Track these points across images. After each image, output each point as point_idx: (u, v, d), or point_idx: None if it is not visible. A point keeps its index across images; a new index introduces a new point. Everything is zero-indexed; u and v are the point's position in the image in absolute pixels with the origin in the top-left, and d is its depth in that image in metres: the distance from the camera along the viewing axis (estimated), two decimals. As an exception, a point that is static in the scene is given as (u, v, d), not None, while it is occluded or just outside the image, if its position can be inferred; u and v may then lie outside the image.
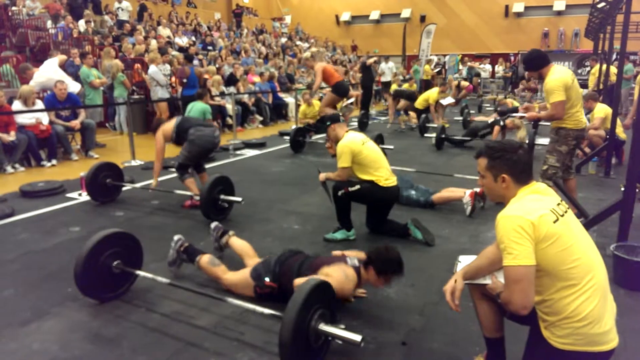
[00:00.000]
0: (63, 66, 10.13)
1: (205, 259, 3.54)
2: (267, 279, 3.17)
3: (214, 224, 4.04)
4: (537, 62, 4.49)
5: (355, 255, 3.27)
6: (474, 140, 9.44)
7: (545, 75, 4.45)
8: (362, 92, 14.37)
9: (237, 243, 3.87)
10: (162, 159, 5.59)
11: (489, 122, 9.57)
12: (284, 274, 3.17)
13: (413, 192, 5.54)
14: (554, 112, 4.40)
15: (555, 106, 4.36)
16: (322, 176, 4.62)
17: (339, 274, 2.98)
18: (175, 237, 3.74)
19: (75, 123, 8.12)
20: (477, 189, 5.21)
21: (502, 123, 9.09)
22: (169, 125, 5.53)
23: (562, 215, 1.96)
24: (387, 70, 17.62)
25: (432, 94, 11.68)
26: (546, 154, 4.69)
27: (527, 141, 8.12)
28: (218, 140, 5.65)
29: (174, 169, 7.38)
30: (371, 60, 14.41)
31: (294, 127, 9.84)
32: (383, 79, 17.57)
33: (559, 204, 2.02)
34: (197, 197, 5.16)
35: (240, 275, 3.37)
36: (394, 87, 14.53)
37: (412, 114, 12.21)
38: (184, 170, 5.55)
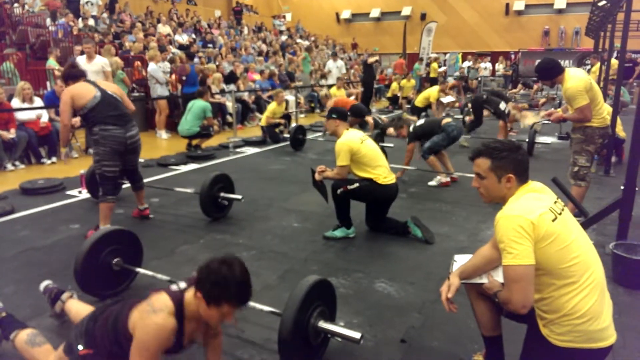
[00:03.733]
0: (62, 64, 10.15)
1: (22, 337, 2.56)
2: (80, 347, 2.20)
3: (43, 285, 3.09)
4: (552, 71, 4.49)
5: None
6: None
7: (561, 82, 4.46)
8: (362, 89, 14.46)
9: (76, 308, 2.82)
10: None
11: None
12: (99, 335, 2.19)
13: (444, 145, 6.35)
14: (582, 116, 4.42)
15: (581, 110, 4.38)
16: (319, 175, 4.61)
17: (143, 307, 2.06)
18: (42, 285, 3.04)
19: (75, 120, 8.09)
20: (444, 180, 6.32)
21: (506, 111, 8.99)
22: (84, 94, 4.31)
23: (560, 214, 1.97)
24: (335, 69, 15.56)
25: (432, 92, 11.67)
26: (574, 155, 4.65)
27: (532, 127, 8.34)
28: (133, 141, 4.51)
29: (174, 166, 7.41)
30: (372, 59, 14.41)
31: (294, 125, 9.84)
32: (331, 81, 15.14)
33: (555, 202, 2.02)
34: (143, 207, 4.92)
35: (56, 354, 2.39)
36: (394, 85, 14.53)
37: (413, 117, 12.21)
38: (106, 185, 4.40)
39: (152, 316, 1.97)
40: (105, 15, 15.02)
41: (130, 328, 2.04)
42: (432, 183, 6.38)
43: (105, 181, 4.38)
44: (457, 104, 12.74)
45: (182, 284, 2.12)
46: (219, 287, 1.93)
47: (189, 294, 2.06)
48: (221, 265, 1.96)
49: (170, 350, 2.08)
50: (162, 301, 2.02)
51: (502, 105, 8.99)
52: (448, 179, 6.41)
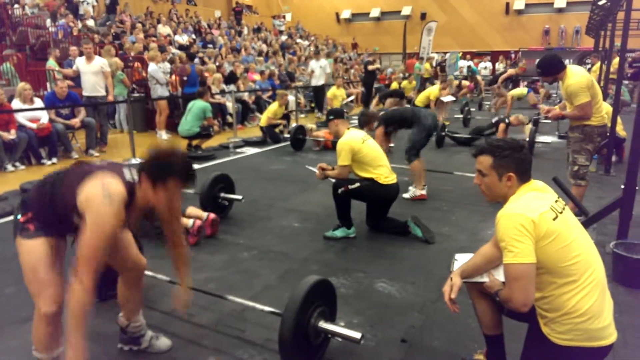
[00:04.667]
0: (61, 65, 10.17)
1: None
2: (19, 216, 2.28)
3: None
4: (555, 67, 4.47)
5: None
6: (478, 139, 9.44)
7: (562, 79, 4.46)
8: (364, 90, 14.56)
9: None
10: None
11: (493, 121, 9.55)
12: (36, 203, 2.26)
13: (423, 141, 5.76)
14: (582, 114, 4.41)
15: (582, 107, 4.38)
16: (320, 174, 4.61)
17: (95, 188, 2.04)
18: None
19: (76, 121, 8.13)
20: (421, 193, 5.75)
21: (507, 120, 9.08)
22: None
23: (561, 212, 1.97)
24: (319, 69, 13.58)
25: (432, 91, 11.68)
26: (573, 154, 4.65)
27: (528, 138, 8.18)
28: None
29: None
30: (373, 67, 14.56)
31: (294, 125, 9.84)
32: (314, 82, 13.71)
33: (556, 201, 2.02)
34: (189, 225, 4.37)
35: None
36: (394, 85, 14.55)
37: None
38: None
39: (108, 207, 2.00)
40: (104, 15, 15.02)
41: (80, 205, 2.04)
42: (406, 195, 5.71)
43: None
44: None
45: (135, 174, 2.18)
46: (164, 164, 2.06)
47: (138, 185, 2.14)
48: (164, 149, 2.11)
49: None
50: (116, 187, 2.05)
51: (494, 119, 9.56)
52: (423, 192, 5.77)
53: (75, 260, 2.00)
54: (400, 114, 5.97)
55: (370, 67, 14.36)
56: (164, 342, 2.78)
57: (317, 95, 13.98)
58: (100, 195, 2.01)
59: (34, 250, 2.18)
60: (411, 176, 5.90)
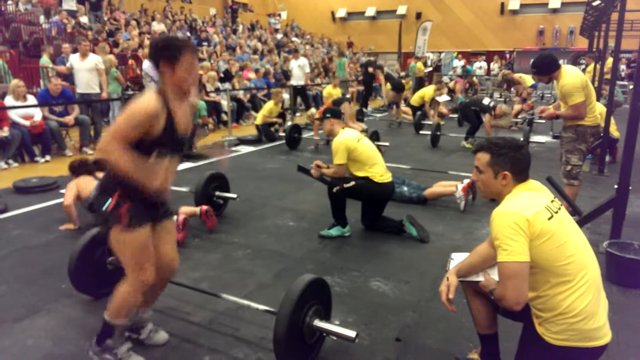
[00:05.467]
0: (55, 62, 10.10)
1: None
2: (106, 206, 2.38)
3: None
4: (550, 66, 4.49)
5: None
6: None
7: (557, 78, 4.47)
8: (363, 88, 14.87)
9: None
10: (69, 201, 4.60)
11: (491, 104, 9.50)
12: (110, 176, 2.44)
13: (405, 189, 5.54)
14: (576, 113, 4.43)
15: (577, 107, 4.39)
16: (316, 172, 4.61)
17: (133, 104, 2.28)
18: None
19: (69, 119, 8.09)
20: (467, 181, 5.35)
21: (492, 112, 9.13)
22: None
23: (556, 212, 1.98)
24: (297, 69, 13.10)
25: (427, 91, 11.70)
26: (567, 154, 4.67)
27: (508, 127, 8.34)
28: None
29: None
30: (372, 69, 14.68)
31: (290, 124, 9.83)
32: (293, 83, 13.24)
33: (552, 201, 2.03)
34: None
35: None
36: (389, 85, 14.57)
37: (407, 109, 12.29)
38: None
39: (139, 102, 2.25)
40: (99, 13, 14.95)
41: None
42: (462, 206, 5.24)
43: None
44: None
45: (155, 87, 2.38)
46: (171, 45, 2.31)
47: (160, 85, 2.36)
48: (162, 36, 2.33)
49: (166, 138, 2.32)
50: (145, 93, 2.31)
51: (486, 100, 9.37)
52: (464, 185, 5.31)
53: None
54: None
55: (370, 70, 14.48)
56: (162, 335, 2.83)
57: (300, 96, 13.76)
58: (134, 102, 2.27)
59: (136, 239, 2.37)
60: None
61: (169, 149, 2.40)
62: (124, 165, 2.22)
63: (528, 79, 11.17)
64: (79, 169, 4.82)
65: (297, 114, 13.82)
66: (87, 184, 4.64)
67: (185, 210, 4.54)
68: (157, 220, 2.57)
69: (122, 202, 2.34)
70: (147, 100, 2.25)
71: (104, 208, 2.35)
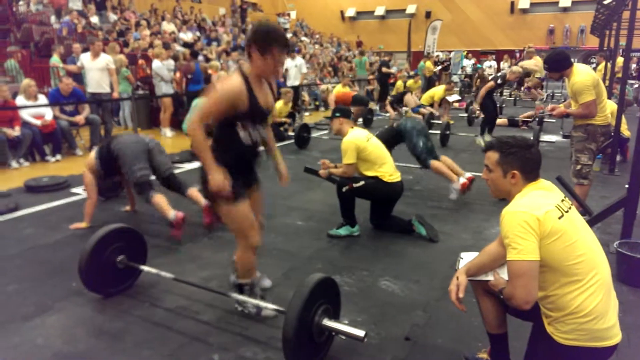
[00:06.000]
0: (65, 61, 10.17)
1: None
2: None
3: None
4: (562, 63, 4.48)
5: None
6: None
7: (568, 76, 4.45)
8: (379, 87, 15.43)
9: None
10: (94, 197, 4.72)
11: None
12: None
13: (421, 144, 5.58)
14: (587, 112, 4.41)
15: (587, 105, 4.37)
16: (324, 173, 4.61)
17: (219, 82, 2.68)
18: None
19: (80, 118, 8.14)
20: (469, 175, 5.51)
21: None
22: (90, 157, 4.78)
23: (567, 212, 1.96)
24: (294, 69, 12.80)
25: (437, 91, 11.65)
26: (577, 153, 4.64)
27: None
28: (152, 144, 4.73)
29: (179, 164, 7.42)
30: (386, 70, 14.81)
31: (297, 123, 9.84)
32: (289, 83, 12.65)
33: (563, 200, 2.02)
34: (171, 217, 4.30)
35: None
36: (399, 84, 14.56)
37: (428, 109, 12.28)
38: (145, 187, 4.52)
39: (225, 78, 2.66)
40: (111, 14, 15.01)
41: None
42: (453, 197, 5.50)
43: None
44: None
45: (234, 65, 2.80)
46: (267, 35, 2.59)
47: (245, 66, 2.73)
48: (264, 23, 2.68)
49: (251, 113, 2.71)
50: (230, 74, 2.70)
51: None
52: (464, 180, 5.49)
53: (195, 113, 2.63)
54: (388, 135, 5.80)
55: (384, 70, 14.66)
56: (267, 281, 3.41)
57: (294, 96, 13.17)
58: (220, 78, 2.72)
59: (239, 210, 2.80)
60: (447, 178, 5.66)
61: (255, 120, 2.77)
62: (203, 144, 2.65)
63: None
64: None
65: (307, 114, 13.82)
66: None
67: (193, 193, 4.67)
68: (250, 187, 3.00)
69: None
70: (233, 81, 2.62)
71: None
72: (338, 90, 12.57)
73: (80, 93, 8.41)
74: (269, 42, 2.59)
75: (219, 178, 2.66)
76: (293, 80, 12.82)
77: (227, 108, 2.62)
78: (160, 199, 4.40)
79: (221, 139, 2.80)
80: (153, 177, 4.69)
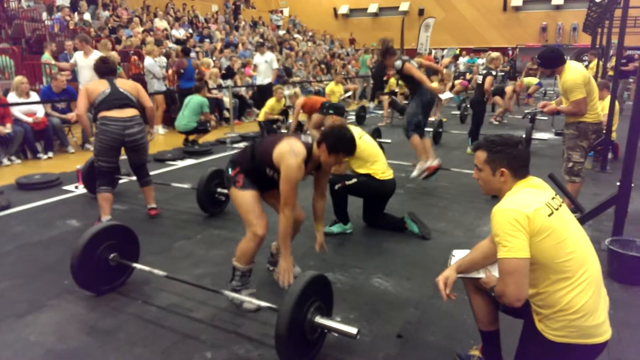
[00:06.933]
0: (57, 58, 10.11)
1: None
2: (230, 170, 3.20)
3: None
4: (554, 61, 4.50)
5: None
6: None
7: (560, 73, 4.48)
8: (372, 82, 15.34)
9: None
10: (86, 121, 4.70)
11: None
12: (241, 161, 3.20)
13: (420, 116, 5.86)
14: (577, 110, 4.43)
15: (577, 103, 4.40)
16: None
17: (285, 148, 2.96)
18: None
19: (72, 115, 8.10)
20: (436, 163, 5.86)
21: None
22: (96, 90, 4.51)
23: (557, 209, 1.98)
24: (264, 65, 11.66)
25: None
26: (568, 150, 4.67)
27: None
28: (133, 139, 4.52)
29: (171, 162, 7.40)
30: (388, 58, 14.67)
31: (290, 121, 9.83)
32: (258, 80, 11.92)
33: (553, 198, 2.03)
34: (106, 219, 4.37)
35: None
36: (392, 81, 14.60)
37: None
38: (101, 178, 4.52)
39: (293, 157, 2.91)
40: (103, 12, 14.91)
41: (275, 161, 2.97)
42: (414, 174, 5.86)
43: (100, 174, 4.54)
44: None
45: (309, 139, 3.10)
46: (339, 141, 3.00)
47: (314, 146, 3.04)
48: (337, 128, 3.10)
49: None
50: (299, 148, 2.96)
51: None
52: (433, 164, 5.84)
53: (280, 201, 2.97)
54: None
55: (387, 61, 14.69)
56: (296, 270, 3.42)
57: (262, 96, 11.71)
58: (289, 152, 2.91)
59: (247, 196, 3.10)
60: (417, 156, 6.05)
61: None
62: (288, 230, 3.07)
63: (532, 79, 11.17)
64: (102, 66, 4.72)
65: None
66: (97, 87, 4.52)
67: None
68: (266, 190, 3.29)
69: (240, 173, 3.12)
70: (299, 159, 2.93)
71: (229, 172, 3.17)
72: (331, 87, 12.57)
73: (73, 90, 8.36)
74: (337, 148, 3.00)
75: (287, 266, 3.01)
76: (263, 78, 11.80)
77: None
78: (103, 198, 4.57)
79: (251, 171, 3.14)
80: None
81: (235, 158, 3.24)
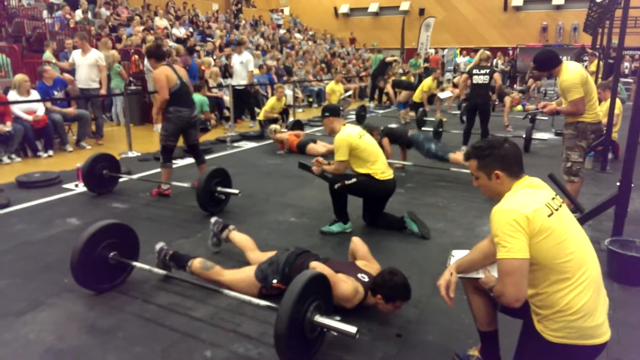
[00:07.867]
0: (57, 57, 10.10)
1: (196, 264, 3.37)
2: (275, 281, 3.16)
3: (214, 219, 4.03)
4: (550, 62, 4.51)
5: (365, 266, 3.27)
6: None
7: (557, 74, 4.48)
8: (362, 84, 14.99)
9: (238, 237, 3.87)
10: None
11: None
12: (293, 276, 2.90)
13: (433, 146, 6.36)
14: (575, 110, 4.44)
15: (575, 103, 4.40)
16: (317, 169, 4.61)
17: (351, 286, 2.93)
18: (158, 246, 3.60)
19: (71, 110, 8.11)
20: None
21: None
22: (172, 79, 5.23)
23: (557, 210, 1.97)
24: (239, 65, 11.06)
25: (425, 82, 11.68)
26: (567, 150, 4.67)
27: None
28: (195, 119, 5.57)
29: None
30: (390, 59, 14.65)
31: (291, 119, 9.83)
32: (234, 82, 10.92)
33: (553, 198, 2.03)
34: (166, 187, 5.54)
35: (242, 274, 3.28)
36: (429, 83, 14.61)
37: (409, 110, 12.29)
38: (167, 155, 5.51)
39: (357, 296, 2.95)
40: (103, 10, 14.90)
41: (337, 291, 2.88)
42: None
43: (167, 152, 5.47)
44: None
45: (366, 279, 3.07)
46: (394, 291, 2.91)
47: (369, 294, 3.00)
48: (392, 276, 2.95)
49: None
50: (360, 290, 2.97)
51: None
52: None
53: None
54: (400, 133, 6.92)
55: (388, 59, 14.74)
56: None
57: (242, 99, 11.42)
58: (351, 289, 2.93)
59: None
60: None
61: None
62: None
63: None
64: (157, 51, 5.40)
65: (300, 110, 13.81)
66: (172, 75, 5.22)
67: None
68: None
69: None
70: (355, 302, 3.00)
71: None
72: (331, 87, 12.57)
73: (63, 81, 8.35)
74: (394, 298, 2.92)
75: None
76: (239, 79, 11.15)
77: None
78: (166, 171, 5.64)
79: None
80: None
81: (286, 271, 3.19)
